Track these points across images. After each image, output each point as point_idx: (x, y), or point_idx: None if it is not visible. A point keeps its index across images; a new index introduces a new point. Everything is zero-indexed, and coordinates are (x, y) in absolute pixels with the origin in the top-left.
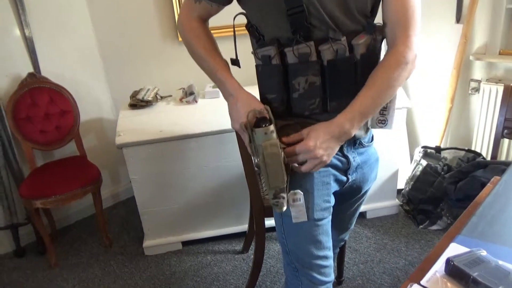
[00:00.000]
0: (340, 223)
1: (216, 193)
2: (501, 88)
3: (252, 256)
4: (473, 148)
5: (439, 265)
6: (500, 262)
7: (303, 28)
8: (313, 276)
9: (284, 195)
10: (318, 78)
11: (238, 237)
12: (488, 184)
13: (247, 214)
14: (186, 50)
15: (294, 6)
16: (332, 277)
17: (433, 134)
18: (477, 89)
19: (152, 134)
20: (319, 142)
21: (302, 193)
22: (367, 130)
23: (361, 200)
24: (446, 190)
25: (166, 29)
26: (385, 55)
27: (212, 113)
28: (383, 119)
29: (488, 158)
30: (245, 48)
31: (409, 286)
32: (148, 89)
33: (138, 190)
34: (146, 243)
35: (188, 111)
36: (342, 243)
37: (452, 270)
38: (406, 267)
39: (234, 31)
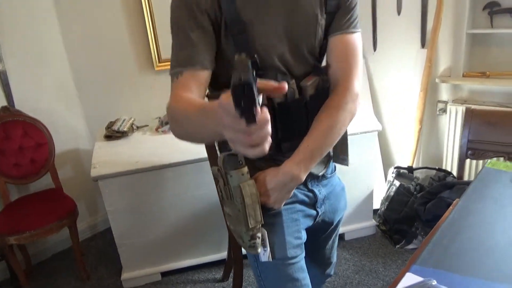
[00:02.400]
0: (322, 259)
1: (194, 222)
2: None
3: (232, 284)
4: (443, 167)
5: None
6: None
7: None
8: None
9: (259, 234)
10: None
11: (218, 265)
12: (451, 206)
13: (226, 241)
14: (162, 79)
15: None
16: None
17: (405, 155)
18: (444, 110)
19: (127, 165)
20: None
21: (265, 230)
22: (327, 163)
23: (336, 231)
24: (416, 211)
25: (142, 58)
26: (328, 98)
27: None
28: (343, 157)
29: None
30: None
31: None
32: (124, 120)
33: (115, 222)
34: (124, 275)
35: (164, 141)
36: (328, 278)
37: None
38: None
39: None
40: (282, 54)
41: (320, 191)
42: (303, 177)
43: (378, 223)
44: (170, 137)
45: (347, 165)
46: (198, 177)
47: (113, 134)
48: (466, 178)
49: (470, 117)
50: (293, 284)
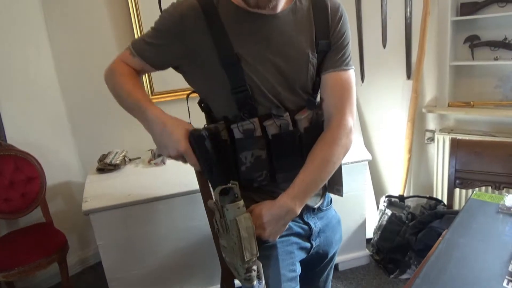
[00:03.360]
0: None
1: (186, 255)
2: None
3: None
4: (434, 195)
5: None
6: None
7: (248, 106)
8: None
9: (255, 267)
10: (264, 152)
11: None
12: (441, 237)
13: (218, 274)
14: None
15: (238, 86)
16: None
17: (396, 183)
18: (432, 139)
19: (119, 198)
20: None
21: (260, 263)
22: (322, 195)
23: (331, 264)
24: (408, 241)
25: None
26: (322, 133)
27: (180, 174)
28: (338, 188)
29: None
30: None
31: None
32: (117, 152)
33: (106, 256)
34: None
35: (156, 173)
36: None
37: None
38: None
39: (188, 107)
40: (274, 88)
41: (316, 223)
42: (298, 211)
43: (371, 253)
44: (162, 169)
45: (341, 195)
46: (189, 209)
47: (105, 167)
48: (456, 206)
49: (456, 147)
50: None
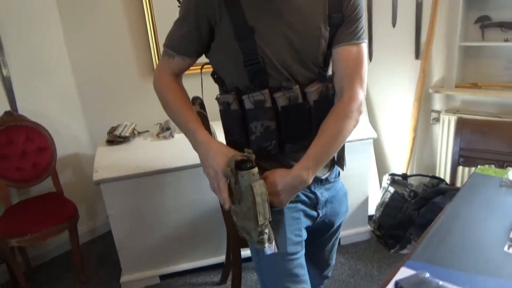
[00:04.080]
0: (320, 260)
1: (193, 226)
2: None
3: (230, 287)
4: (436, 174)
5: (391, 287)
6: (441, 283)
7: (259, 78)
8: None
9: (267, 230)
10: (273, 123)
11: (216, 269)
12: (444, 209)
13: (224, 245)
14: None
15: (251, 58)
16: None
17: (399, 162)
18: (437, 119)
19: (129, 169)
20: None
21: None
22: (330, 167)
23: (337, 234)
24: (410, 216)
25: (144, 66)
26: (334, 106)
27: (189, 148)
28: (341, 161)
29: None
30: (211, 86)
31: None
32: (126, 125)
33: (115, 225)
34: (123, 278)
35: (165, 146)
36: (325, 280)
37: None
38: None
39: (201, 81)
40: (285, 61)
41: (322, 193)
42: (310, 181)
43: (373, 229)
44: (170, 142)
45: (342, 169)
46: (197, 182)
47: (115, 139)
48: (458, 184)
49: (462, 126)
50: (291, 279)
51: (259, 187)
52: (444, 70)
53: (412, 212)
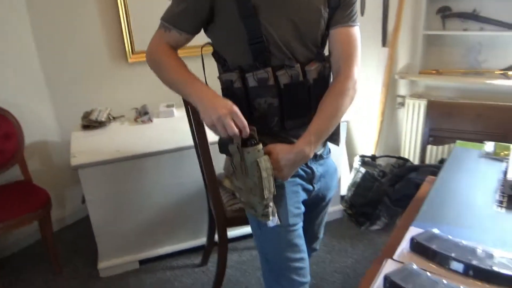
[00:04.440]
0: (311, 233)
1: (173, 210)
2: (422, 103)
3: (211, 268)
4: (401, 155)
5: (405, 243)
6: (449, 237)
7: (263, 56)
8: (293, 279)
9: (271, 203)
10: (276, 100)
11: (196, 251)
12: (424, 182)
13: (204, 227)
14: (135, 72)
15: (255, 37)
16: (309, 277)
17: (367, 144)
18: (402, 104)
19: (108, 154)
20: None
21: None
22: (324, 143)
23: (326, 208)
24: (386, 192)
25: (115, 50)
26: (331, 84)
27: (168, 132)
28: (336, 138)
29: (415, 163)
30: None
31: (384, 261)
32: (101, 110)
33: (94, 211)
34: (101, 264)
35: (144, 131)
36: (314, 252)
37: (416, 246)
38: (353, 265)
39: (202, 59)
40: (287, 41)
41: (318, 169)
42: (311, 155)
43: (345, 208)
44: (149, 126)
45: (338, 145)
46: (177, 165)
47: (91, 123)
48: (427, 162)
49: (431, 108)
50: (292, 249)
51: (264, 162)
52: (409, 57)
53: (388, 188)
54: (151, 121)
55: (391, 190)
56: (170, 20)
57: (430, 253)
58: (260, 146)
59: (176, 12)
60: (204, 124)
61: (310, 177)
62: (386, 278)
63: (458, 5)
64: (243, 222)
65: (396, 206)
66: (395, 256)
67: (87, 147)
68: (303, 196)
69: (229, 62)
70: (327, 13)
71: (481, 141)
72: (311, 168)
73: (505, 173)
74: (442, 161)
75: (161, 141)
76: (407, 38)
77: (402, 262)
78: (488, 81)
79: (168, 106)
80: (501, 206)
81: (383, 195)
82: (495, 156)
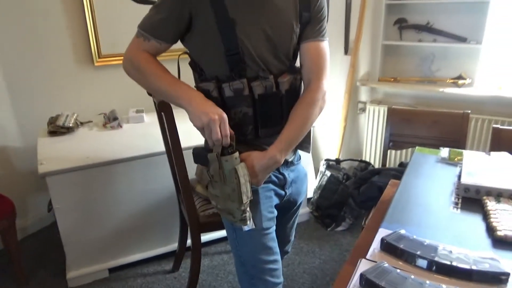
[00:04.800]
0: (283, 236)
1: (143, 216)
2: (382, 108)
3: (183, 274)
4: (363, 158)
5: (376, 244)
6: (414, 237)
7: (238, 67)
8: (267, 280)
9: (248, 209)
10: (250, 109)
11: (166, 258)
12: (388, 186)
13: (174, 233)
14: (102, 75)
15: (232, 49)
16: (282, 279)
17: (332, 148)
18: (363, 109)
19: (77, 161)
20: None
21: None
22: (295, 150)
23: (297, 212)
24: (351, 194)
25: (80, 53)
26: (302, 95)
27: (139, 137)
28: (306, 145)
29: (376, 166)
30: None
31: (359, 261)
32: (67, 115)
33: (62, 220)
34: (70, 274)
35: (113, 136)
36: (286, 255)
37: (386, 246)
38: (321, 265)
39: (178, 68)
40: (262, 53)
41: (289, 174)
42: (282, 162)
43: (311, 210)
44: (119, 132)
45: (309, 152)
46: (148, 171)
47: (58, 129)
48: (388, 165)
49: (391, 115)
50: (266, 252)
51: (241, 169)
52: (369, 66)
53: (353, 191)
54: (121, 126)
55: (356, 193)
56: (149, 29)
57: (398, 251)
58: (237, 153)
59: (155, 21)
60: (176, 128)
61: (282, 183)
62: (361, 276)
63: (414, 18)
64: (216, 227)
65: (361, 207)
66: (368, 256)
67: (55, 153)
68: (276, 201)
69: (206, 72)
70: (299, 28)
71: (437, 146)
72: (283, 174)
73: (459, 177)
74: (401, 165)
75: (131, 147)
76: (368, 47)
77: (374, 261)
78: (440, 89)
79: (137, 111)
80: (457, 207)
81: (348, 197)
82: (450, 161)
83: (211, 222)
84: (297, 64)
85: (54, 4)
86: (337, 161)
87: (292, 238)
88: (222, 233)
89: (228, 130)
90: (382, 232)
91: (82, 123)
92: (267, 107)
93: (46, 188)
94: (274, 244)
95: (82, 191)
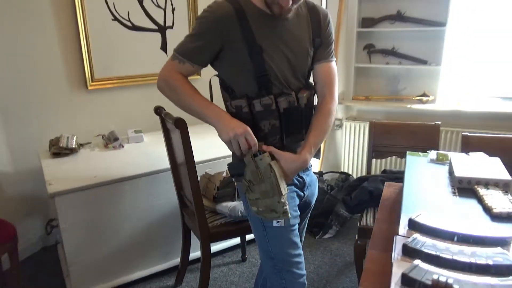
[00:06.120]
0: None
1: (145, 233)
2: (357, 124)
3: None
4: (343, 170)
5: (403, 224)
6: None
7: (266, 86)
8: (294, 272)
9: (287, 201)
10: (277, 121)
11: (168, 273)
12: (385, 187)
13: (176, 248)
14: (95, 99)
15: (261, 71)
16: (305, 271)
17: (313, 162)
18: (340, 126)
19: (86, 180)
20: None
21: None
22: None
23: (309, 214)
24: (343, 200)
25: (74, 77)
26: (319, 106)
27: (141, 156)
28: (318, 152)
29: (356, 176)
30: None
31: (394, 237)
32: (68, 137)
33: (68, 239)
34: None
35: (116, 156)
36: None
37: (413, 224)
38: (316, 270)
39: (210, 88)
40: (284, 74)
41: (306, 178)
42: (309, 163)
43: None
44: (121, 152)
45: (319, 158)
46: (153, 188)
47: (61, 151)
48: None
49: (374, 128)
50: (293, 247)
51: (274, 165)
52: (344, 86)
53: (345, 197)
54: (123, 146)
55: (348, 199)
56: (185, 54)
57: (425, 229)
58: (268, 153)
59: (191, 47)
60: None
61: (302, 185)
62: (404, 245)
63: (380, 43)
64: (224, 236)
65: (354, 211)
66: (401, 233)
67: (62, 174)
68: (297, 201)
69: (236, 91)
70: (312, 51)
71: None
72: (302, 178)
73: (450, 172)
74: (384, 171)
75: (136, 165)
76: (342, 70)
77: (407, 236)
78: (408, 105)
79: (136, 131)
80: (455, 195)
81: (334, 205)
82: (438, 161)
83: (219, 232)
84: (310, 80)
85: (49, 28)
86: (320, 173)
87: (303, 238)
88: (218, 246)
89: (255, 139)
90: (404, 217)
91: (82, 145)
92: (290, 119)
93: (38, 212)
94: (298, 240)
95: (89, 210)
